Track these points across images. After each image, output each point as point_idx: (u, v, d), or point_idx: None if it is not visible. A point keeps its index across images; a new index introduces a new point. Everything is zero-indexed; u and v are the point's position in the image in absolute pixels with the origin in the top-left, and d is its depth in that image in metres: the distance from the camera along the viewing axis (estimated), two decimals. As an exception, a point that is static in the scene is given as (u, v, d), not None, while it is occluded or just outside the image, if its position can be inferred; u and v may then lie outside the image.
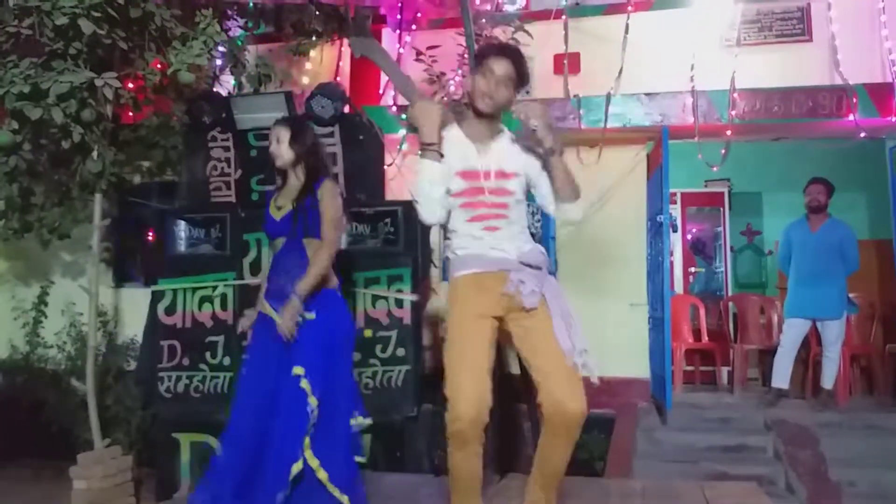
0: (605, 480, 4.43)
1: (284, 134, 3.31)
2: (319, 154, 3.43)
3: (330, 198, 3.30)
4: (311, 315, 3.20)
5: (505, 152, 2.72)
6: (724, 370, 6.54)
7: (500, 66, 2.62)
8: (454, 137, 2.71)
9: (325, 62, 6.54)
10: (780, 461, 4.85)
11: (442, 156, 2.63)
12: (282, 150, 3.30)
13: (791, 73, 5.67)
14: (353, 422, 3.32)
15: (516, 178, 2.68)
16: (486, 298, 2.62)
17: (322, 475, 3.12)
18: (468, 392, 2.46)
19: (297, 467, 3.07)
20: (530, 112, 2.55)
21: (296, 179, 3.37)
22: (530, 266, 2.64)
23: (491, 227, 2.65)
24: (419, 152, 2.68)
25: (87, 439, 4.65)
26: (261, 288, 3.40)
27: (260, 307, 3.33)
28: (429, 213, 2.65)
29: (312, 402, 3.10)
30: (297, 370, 3.12)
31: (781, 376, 5.53)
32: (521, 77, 2.67)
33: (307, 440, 3.12)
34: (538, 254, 2.69)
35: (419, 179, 2.63)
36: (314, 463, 3.12)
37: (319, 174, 3.34)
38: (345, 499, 3.16)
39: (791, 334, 5.55)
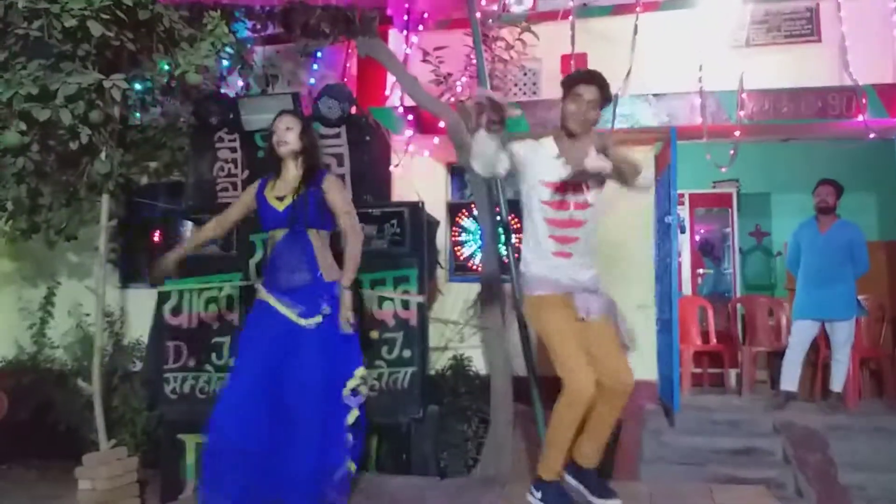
0: (612, 483, 4.40)
1: (295, 123, 3.38)
2: (320, 151, 3.56)
3: (338, 189, 3.40)
4: (328, 309, 3.26)
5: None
6: (733, 372, 6.50)
7: (589, 92, 3.00)
8: (548, 151, 3.07)
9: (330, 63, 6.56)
10: (789, 464, 4.82)
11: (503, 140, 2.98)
12: (290, 137, 3.34)
13: (800, 74, 5.64)
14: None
15: (594, 189, 3.09)
16: (563, 307, 3.11)
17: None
18: (583, 362, 2.96)
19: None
20: (602, 141, 2.88)
21: (293, 171, 3.39)
22: (589, 291, 3.13)
23: (565, 252, 3.08)
24: (484, 129, 2.89)
25: (92, 440, 4.66)
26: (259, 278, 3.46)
27: (261, 296, 3.34)
28: (483, 165, 2.97)
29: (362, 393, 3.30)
30: (359, 372, 3.29)
31: (790, 379, 5.50)
32: (605, 99, 3.07)
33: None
34: (596, 280, 3.19)
35: (478, 140, 2.92)
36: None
37: (320, 167, 3.43)
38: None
39: (800, 336, 5.52)
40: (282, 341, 3.22)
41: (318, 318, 3.23)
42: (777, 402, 5.48)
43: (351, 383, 3.26)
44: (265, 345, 3.22)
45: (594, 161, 2.80)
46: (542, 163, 3.06)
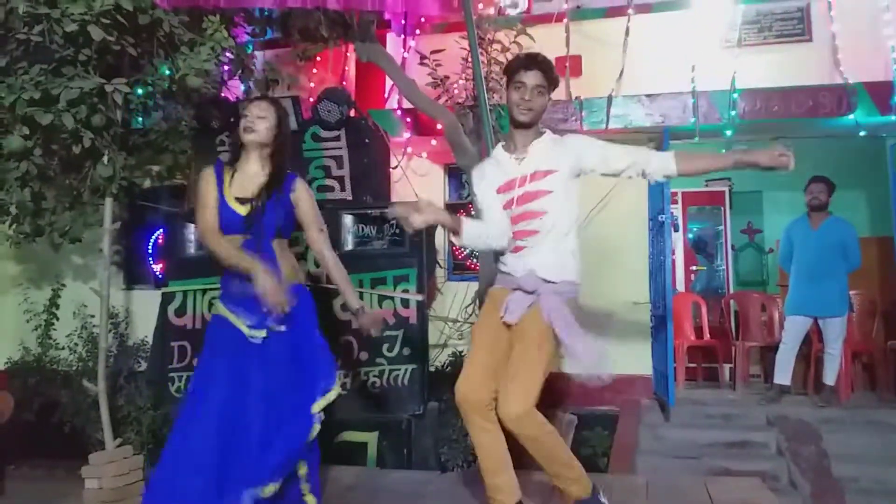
0: (608, 476, 4.47)
1: (271, 113, 3.03)
2: (289, 149, 3.16)
3: (310, 197, 3.11)
4: (282, 328, 2.95)
5: (543, 153, 2.86)
6: (726, 367, 6.58)
7: (531, 77, 2.81)
8: (496, 157, 2.95)
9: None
10: (783, 457, 4.89)
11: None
12: (261, 126, 3.00)
13: (791, 73, 5.71)
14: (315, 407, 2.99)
15: (555, 174, 2.82)
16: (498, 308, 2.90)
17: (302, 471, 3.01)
18: (473, 370, 2.83)
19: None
20: None
21: (256, 166, 3.04)
22: (523, 290, 2.84)
23: (518, 246, 2.87)
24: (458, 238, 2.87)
25: (98, 439, 4.70)
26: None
27: (220, 312, 2.99)
28: (499, 243, 2.90)
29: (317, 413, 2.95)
30: (330, 396, 2.97)
31: (783, 373, 5.58)
32: (551, 82, 2.87)
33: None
34: (533, 279, 2.82)
35: (478, 243, 2.91)
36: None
37: (287, 169, 3.08)
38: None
39: (792, 331, 5.60)
40: (239, 364, 2.88)
41: (263, 332, 2.90)
42: (770, 396, 5.56)
43: (319, 404, 2.94)
44: (222, 377, 2.87)
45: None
46: (492, 174, 2.93)
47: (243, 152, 3.05)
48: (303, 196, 3.07)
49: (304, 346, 3.01)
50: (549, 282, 2.81)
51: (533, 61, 2.85)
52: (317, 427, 2.95)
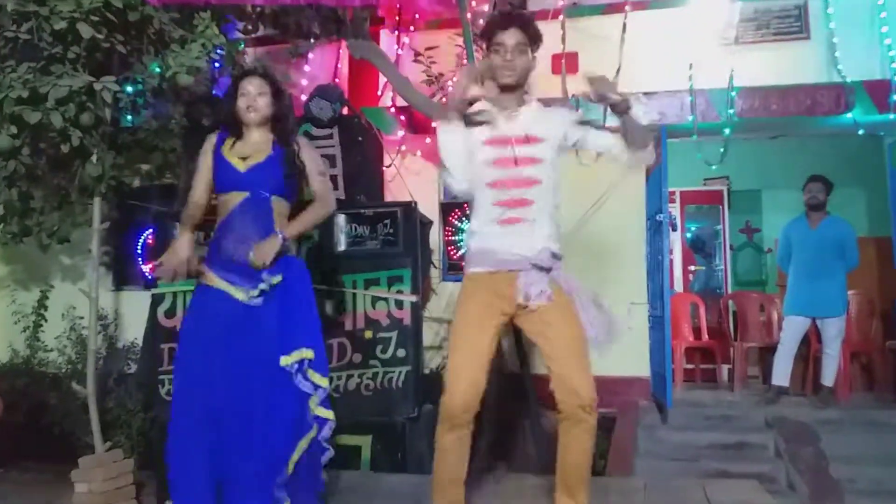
0: (606, 479, 4.43)
1: (265, 87, 2.97)
2: (292, 119, 3.12)
3: (311, 149, 3.06)
4: (278, 278, 2.85)
5: (532, 118, 2.71)
6: (725, 368, 6.55)
7: (510, 36, 2.62)
8: (482, 109, 2.70)
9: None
10: (781, 459, 4.86)
11: (464, 120, 2.64)
12: (262, 103, 2.95)
13: (789, 71, 5.68)
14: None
15: (545, 143, 2.68)
16: (497, 296, 2.66)
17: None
18: (465, 374, 2.57)
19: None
20: (602, 88, 2.61)
21: (258, 136, 2.99)
22: (541, 268, 2.64)
23: (512, 218, 2.63)
24: (440, 116, 2.66)
25: (88, 443, 4.64)
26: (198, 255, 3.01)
27: (204, 280, 2.92)
28: (457, 181, 2.67)
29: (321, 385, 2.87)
30: (305, 353, 2.83)
31: (782, 374, 5.54)
32: (532, 39, 2.68)
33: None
34: (548, 255, 2.67)
35: (442, 147, 2.65)
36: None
37: (294, 133, 3.04)
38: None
39: (791, 332, 5.56)
40: (229, 325, 2.81)
41: (255, 293, 2.82)
42: (769, 397, 5.52)
43: (286, 360, 2.81)
44: (222, 339, 2.81)
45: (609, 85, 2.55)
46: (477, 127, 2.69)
47: (244, 128, 3.00)
48: (303, 145, 3.04)
49: (296, 315, 2.92)
50: (557, 257, 2.70)
51: (509, 19, 2.68)
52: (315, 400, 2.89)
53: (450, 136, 2.64)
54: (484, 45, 2.76)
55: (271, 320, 2.84)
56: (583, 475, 2.68)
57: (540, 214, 2.67)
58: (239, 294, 2.82)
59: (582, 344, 2.62)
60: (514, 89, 2.70)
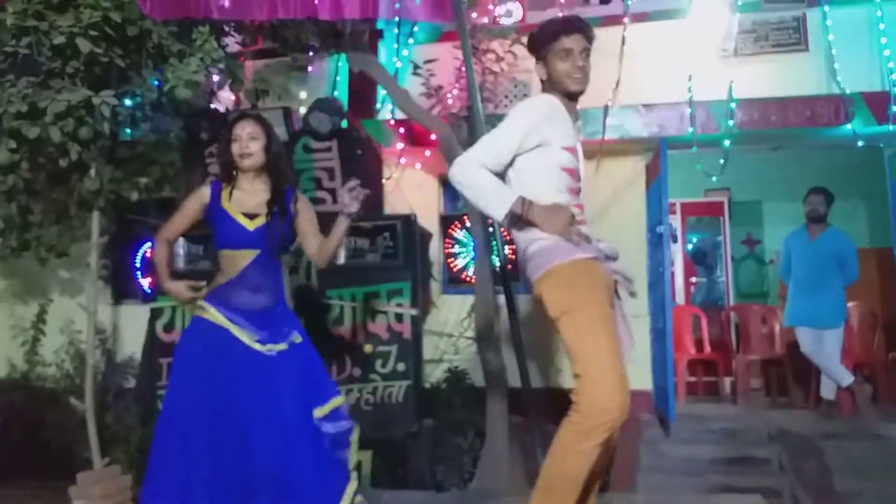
0: (608, 495, 4.38)
1: (260, 132, 2.96)
2: (285, 160, 3.10)
3: (309, 208, 3.08)
4: (299, 337, 2.93)
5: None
6: (727, 381, 6.50)
7: (576, 41, 2.52)
8: (561, 114, 2.55)
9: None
10: (785, 473, 4.82)
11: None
12: (255, 148, 2.93)
13: (788, 83, 5.69)
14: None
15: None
16: (606, 287, 2.48)
17: None
18: (619, 371, 2.28)
19: None
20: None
21: (253, 183, 2.99)
22: (611, 259, 2.55)
23: (581, 219, 2.51)
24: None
25: (86, 458, 4.61)
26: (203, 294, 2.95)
27: (204, 315, 2.89)
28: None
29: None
30: (337, 401, 2.89)
31: (829, 385, 5.39)
32: (590, 41, 2.58)
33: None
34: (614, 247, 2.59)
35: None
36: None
37: (288, 181, 3.04)
38: None
39: (807, 343, 5.38)
40: (235, 369, 2.80)
41: (284, 346, 2.86)
42: (820, 412, 5.45)
43: (320, 411, 2.85)
44: (212, 370, 2.79)
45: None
46: (561, 126, 2.52)
47: (239, 173, 2.99)
48: (303, 209, 3.04)
49: (308, 362, 2.96)
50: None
51: (571, 24, 2.54)
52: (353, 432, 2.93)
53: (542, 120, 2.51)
54: (537, 52, 2.60)
55: (290, 371, 2.85)
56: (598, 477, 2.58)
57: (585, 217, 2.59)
58: (244, 337, 2.83)
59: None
60: (576, 97, 2.60)
